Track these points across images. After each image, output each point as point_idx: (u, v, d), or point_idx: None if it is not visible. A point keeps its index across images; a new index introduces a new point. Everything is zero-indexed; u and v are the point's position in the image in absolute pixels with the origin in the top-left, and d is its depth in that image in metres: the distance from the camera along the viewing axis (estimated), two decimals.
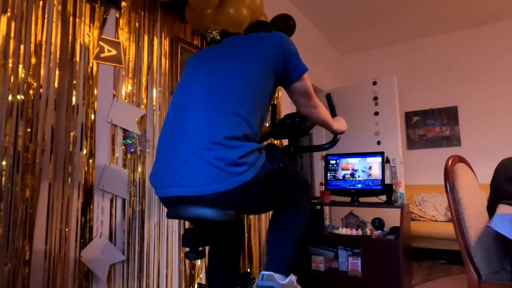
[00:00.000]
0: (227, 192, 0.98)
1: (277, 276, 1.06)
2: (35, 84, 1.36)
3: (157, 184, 1.09)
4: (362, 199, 2.61)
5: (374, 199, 2.58)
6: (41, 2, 1.41)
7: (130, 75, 1.79)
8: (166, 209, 1.92)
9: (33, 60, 1.37)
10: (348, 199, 2.65)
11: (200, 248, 1.15)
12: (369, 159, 2.61)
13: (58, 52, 1.46)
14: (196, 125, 1.04)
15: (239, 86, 1.07)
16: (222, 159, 0.98)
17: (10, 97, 1.28)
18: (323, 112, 1.31)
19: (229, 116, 1.03)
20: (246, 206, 1.09)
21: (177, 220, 2.01)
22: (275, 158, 1.14)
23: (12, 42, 1.30)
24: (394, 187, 2.47)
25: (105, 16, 1.69)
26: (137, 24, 1.86)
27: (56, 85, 1.44)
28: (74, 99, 1.51)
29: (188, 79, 1.17)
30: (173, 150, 1.06)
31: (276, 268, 1.09)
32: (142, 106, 1.85)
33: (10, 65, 1.29)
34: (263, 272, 1.09)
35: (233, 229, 1.38)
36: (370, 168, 2.59)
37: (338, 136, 1.52)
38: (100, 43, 1.65)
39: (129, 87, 1.79)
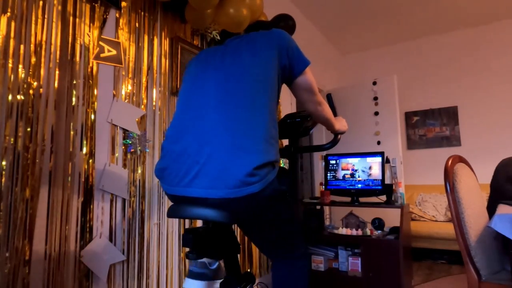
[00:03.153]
0: (233, 199, 0.98)
1: None
2: (35, 84, 1.36)
3: (165, 180, 1.08)
4: (362, 199, 2.61)
5: (374, 199, 2.58)
6: (41, 2, 1.41)
7: (130, 75, 1.79)
8: (166, 209, 1.92)
9: (33, 60, 1.37)
10: (348, 199, 2.65)
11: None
12: (369, 159, 2.61)
13: (58, 52, 1.46)
14: (212, 126, 1.03)
15: (251, 83, 1.07)
16: (237, 165, 0.96)
17: (10, 97, 1.28)
18: (327, 110, 1.32)
19: (247, 116, 1.02)
20: (247, 217, 1.07)
21: (177, 220, 2.01)
22: (284, 181, 1.14)
23: (12, 42, 1.30)
24: (394, 187, 2.47)
25: (105, 16, 1.69)
26: (137, 24, 1.86)
27: (56, 85, 1.44)
28: (74, 99, 1.51)
29: (199, 78, 1.16)
30: (184, 149, 1.04)
31: None
32: (142, 106, 1.84)
33: (10, 65, 1.29)
34: None
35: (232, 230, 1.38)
36: (370, 168, 2.58)
37: (339, 136, 1.52)
38: (100, 43, 1.65)
39: (129, 87, 1.78)
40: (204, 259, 1.11)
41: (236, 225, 1.36)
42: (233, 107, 1.03)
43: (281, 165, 2.33)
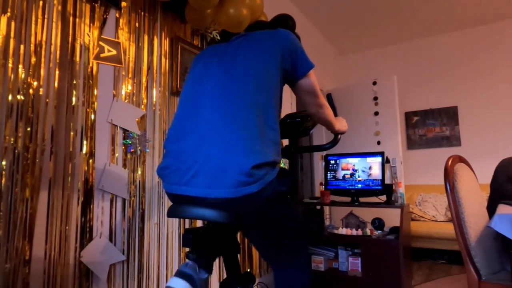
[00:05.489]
0: (231, 199, 0.97)
1: None
2: (35, 84, 1.36)
3: (165, 178, 1.08)
4: (362, 199, 2.61)
5: (374, 199, 2.58)
6: (41, 2, 1.41)
7: (130, 75, 1.79)
8: (166, 209, 1.92)
9: (33, 60, 1.37)
10: (348, 199, 2.65)
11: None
12: (369, 159, 2.61)
13: (58, 52, 1.46)
14: (212, 125, 1.02)
15: (251, 84, 1.06)
16: (235, 165, 0.95)
17: (10, 97, 1.28)
18: (329, 112, 1.31)
19: (246, 114, 1.01)
20: (246, 218, 1.06)
21: (177, 220, 2.01)
22: (285, 181, 1.12)
23: (12, 42, 1.30)
24: (394, 187, 2.47)
25: (105, 16, 1.69)
26: (137, 24, 1.86)
27: (56, 85, 1.44)
28: (74, 99, 1.51)
29: (200, 77, 1.15)
30: (183, 148, 1.04)
31: None
32: (142, 106, 1.84)
33: (10, 65, 1.29)
34: None
35: (232, 230, 1.38)
36: (370, 168, 2.58)
37: (339, 136, 1.52)
38: (100, 43, 1.65)
39: (129, 87, 1.78)
40: (195, 265, 1.07)
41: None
42: (231, 107, 1.02)
43: (281, 166, 2.33)
